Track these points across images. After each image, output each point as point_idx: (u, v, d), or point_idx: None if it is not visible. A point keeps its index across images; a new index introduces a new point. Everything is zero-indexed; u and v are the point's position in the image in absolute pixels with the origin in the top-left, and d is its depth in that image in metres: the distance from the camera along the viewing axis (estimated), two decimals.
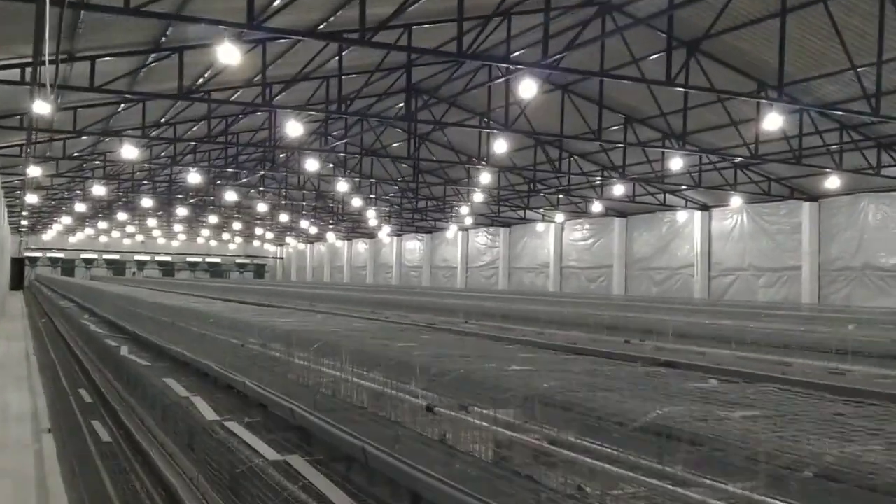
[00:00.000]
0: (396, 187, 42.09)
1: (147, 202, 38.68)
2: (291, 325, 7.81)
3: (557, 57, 17.38)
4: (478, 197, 32.79)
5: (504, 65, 19.12)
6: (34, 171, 25.07)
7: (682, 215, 36.44)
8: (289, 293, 26.50)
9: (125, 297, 15.40)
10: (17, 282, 67.93)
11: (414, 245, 61.82)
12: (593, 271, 42.40)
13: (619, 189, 29.55)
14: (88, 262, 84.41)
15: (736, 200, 30.70)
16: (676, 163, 24.03)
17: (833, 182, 24.62)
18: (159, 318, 11.33)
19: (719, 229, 35.30)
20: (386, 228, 57.31)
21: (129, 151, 21.31)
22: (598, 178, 30.56)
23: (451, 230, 53.73)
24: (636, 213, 38.91)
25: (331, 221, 60.39)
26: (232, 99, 22.53)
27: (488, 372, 4.66)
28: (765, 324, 13.63)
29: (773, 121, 17.62)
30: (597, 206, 34.28)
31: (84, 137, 27.81)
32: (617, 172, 27.15)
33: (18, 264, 71.23)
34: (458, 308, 17.06)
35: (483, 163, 26.58)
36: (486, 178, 27.64)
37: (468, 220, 44.87)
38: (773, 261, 32.77)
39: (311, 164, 26.14)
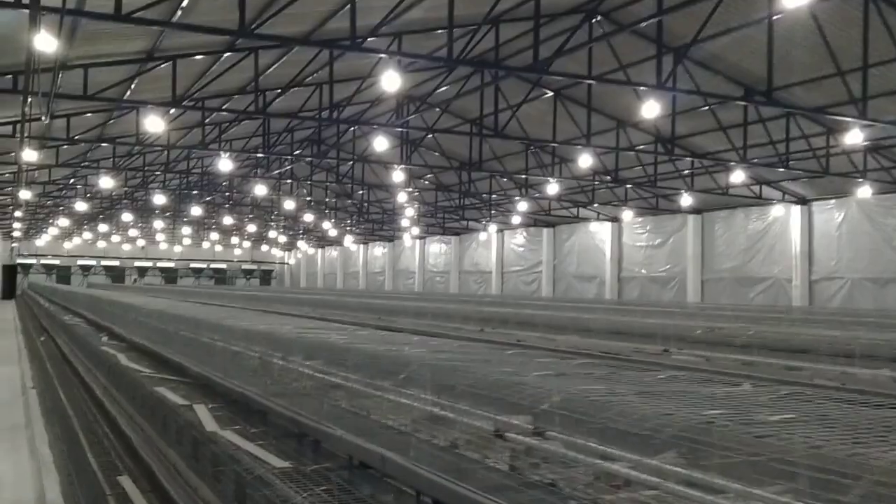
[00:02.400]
0: (426, 182, 37.54)
1: (159, 198, 33.81)
2: None
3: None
4: (552, 189, 27.94)
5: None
6: (29, 155, 20.27)
7: (776, 210, 31.66)
8: (351, 304, 21.55)
9: (174, 317, 10.55)
10: (8, 290, 63.16)
11: (439, 248, 57.03)
12: (662, 276, 37.65)
13: (737, 176, 24.73)
14: (85, 268, 79.43)
15: (864, 191, 25.89)
16: (855, 136, 19.22)
17: None
18: (264, 356, 6.61)
19: (822, 227, 30.56)
20: (413, 230, 52.47)
21: (154, 123, 16.63)
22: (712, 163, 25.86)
23: (487, 231, 48.89)
24: (715, 208, 34.21)
25: (348, 223, 55.63)
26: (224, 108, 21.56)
27: None
28: None
29: None
30: (686, 200, 29.47)
31: (88, 115, 23.29)
32: (737, 155, 22.37)
33: (10, 272, 66.41)
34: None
35: (581, 143, 21.90)
36: (586, 161, 22.80)
37: (516, 220, 39.95)
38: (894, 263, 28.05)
39: (380, 144, 21.32)
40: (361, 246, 67.46)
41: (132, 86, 19.22)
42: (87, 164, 29.22)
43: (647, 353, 10.41)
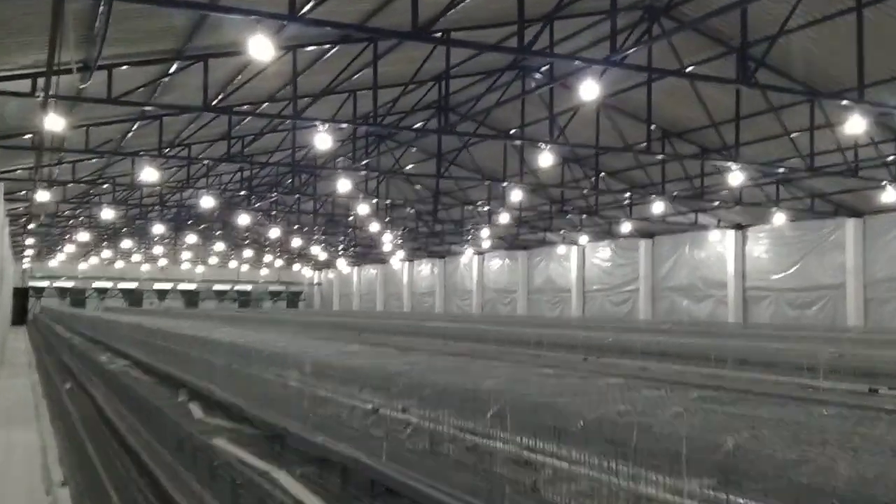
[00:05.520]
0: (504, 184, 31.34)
1: (207, 201, 27.56)
2: None
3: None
4: (735, 178, 21.27)
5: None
6: (54, 122, 14.18)
7: None
8: (529, 336, 14.87)
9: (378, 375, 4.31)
10: (19, 315, 56.98)
11: (501, 265, 50.51)
12: (805, 294, 31.09)
13: None
14: (101, 291, 73.38)
15: None
16: None
17: None
18: None
19: None
20: (480, 244, 46.18)
21: (263, 47, 11.03)
22: None
23: (577, 243, 42.37)
24: (881, 210, 27.69)
25: (399, 238, 49.28)
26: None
27: None
28: None
29: None
30: (890, 196, 22.95)
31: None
32: None
33: (21, 295, 60.30)
34: None
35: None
36: (858, 124, 16.30)
37: (625, 227, 33.51)
38: None
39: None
40: (406, 264, 61.13)
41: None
42: (122, 152, 22.99)
43: None
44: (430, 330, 17.28)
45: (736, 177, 20.60)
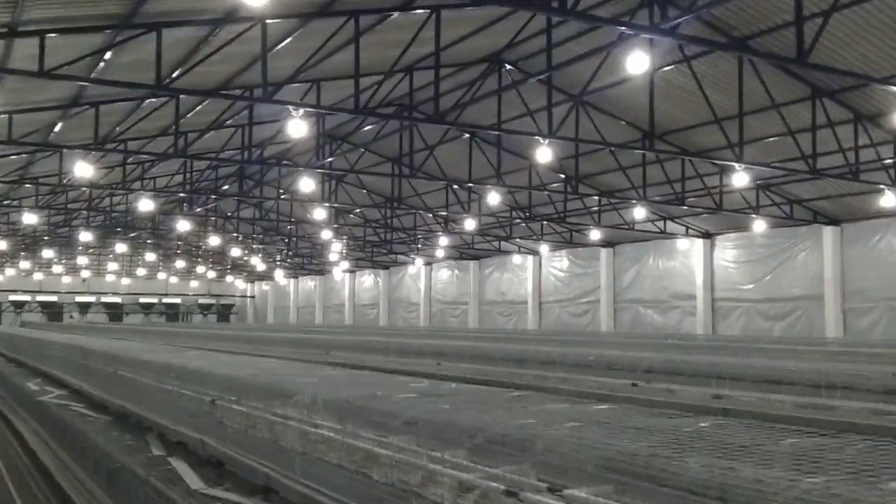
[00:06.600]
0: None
1: (146, 204, 24.63)
2: None
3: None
4: (739, 179, 19.50)
5: None
6: None
7: None
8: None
9: None
10: None
11: (450, 275, 48.49)
12: (779, 305, 29.89)
13: None
14: (18, 305, 68.67)
15: None
16: None
17: None
18: None
19: None
20: (432, 254, 44.17)
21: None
22: None
23: (522, 253, 40.83)
24: (860, 218, 26.73)
25: (345, 248, 46.81)
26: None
27: None
28: None
29: None
30: (889, 200, 21.60)
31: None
32: None
33: None
34: None
35: None
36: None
37: (594, 235, 31.83)
38: None
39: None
40: (349, 275, 58.60)
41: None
42: (51, 144, 20.14)
43: None
44: (420, 348, 15.05)
45: (741, 178, 19.00)
